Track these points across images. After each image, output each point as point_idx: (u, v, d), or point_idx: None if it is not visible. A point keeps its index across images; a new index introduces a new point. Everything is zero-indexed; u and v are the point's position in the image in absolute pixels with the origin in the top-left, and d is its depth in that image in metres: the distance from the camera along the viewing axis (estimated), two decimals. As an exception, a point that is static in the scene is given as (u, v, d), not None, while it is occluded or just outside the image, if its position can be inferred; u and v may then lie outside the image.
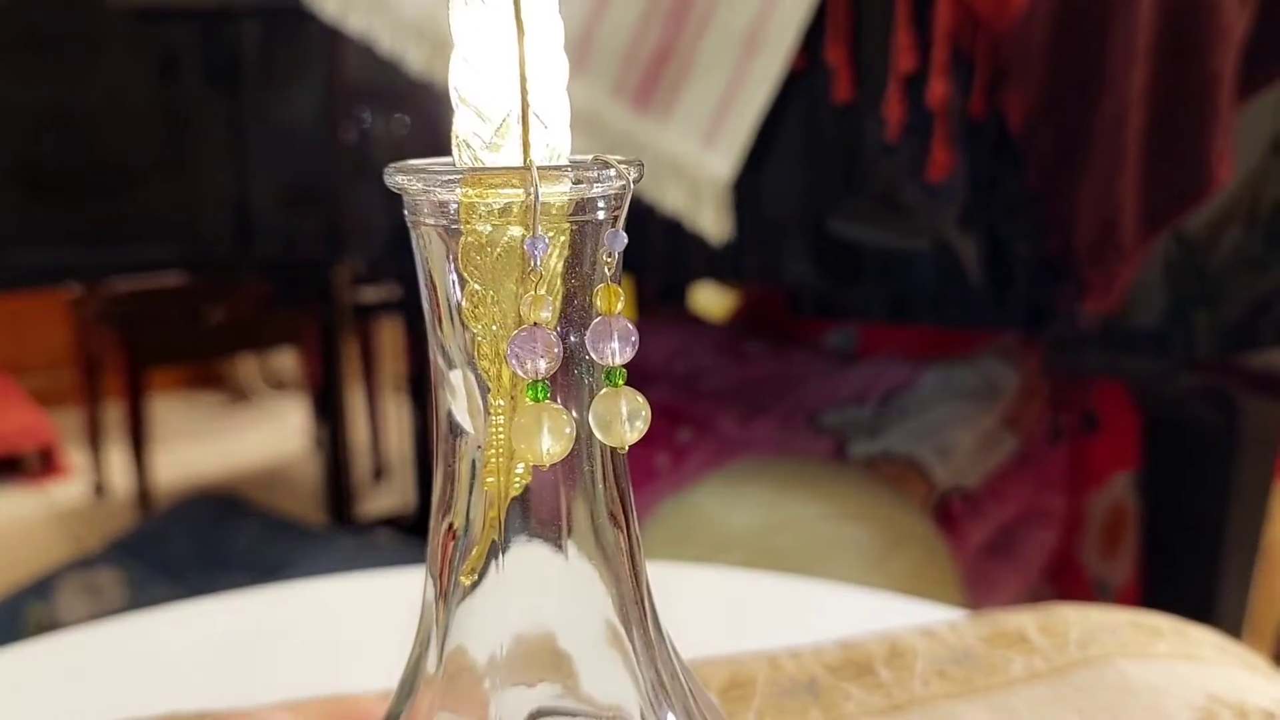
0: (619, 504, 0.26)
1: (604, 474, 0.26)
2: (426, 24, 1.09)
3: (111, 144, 1.38)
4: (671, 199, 1.00)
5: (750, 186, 1.01)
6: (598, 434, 0.23)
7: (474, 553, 0.25)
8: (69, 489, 2.47)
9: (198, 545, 1.57)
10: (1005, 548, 1.25)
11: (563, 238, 0.24)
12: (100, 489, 2.42)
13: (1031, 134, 0.92)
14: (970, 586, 1.14)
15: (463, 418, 0.25)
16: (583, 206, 0.24)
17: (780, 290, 1.47)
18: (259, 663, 0.51)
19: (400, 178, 0.24)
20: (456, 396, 0.25)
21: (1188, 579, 1.17)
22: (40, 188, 1.38)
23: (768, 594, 0.57)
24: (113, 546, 1.58)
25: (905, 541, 1.08)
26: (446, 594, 0.26)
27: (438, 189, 0.23)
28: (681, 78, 0.99)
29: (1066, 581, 1.30)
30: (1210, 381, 1.13)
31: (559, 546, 0.26)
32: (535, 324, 0.23)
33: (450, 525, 0.26)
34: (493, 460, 0.24)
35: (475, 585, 0.26)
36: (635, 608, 0.27)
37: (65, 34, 1.34)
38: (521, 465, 0.24)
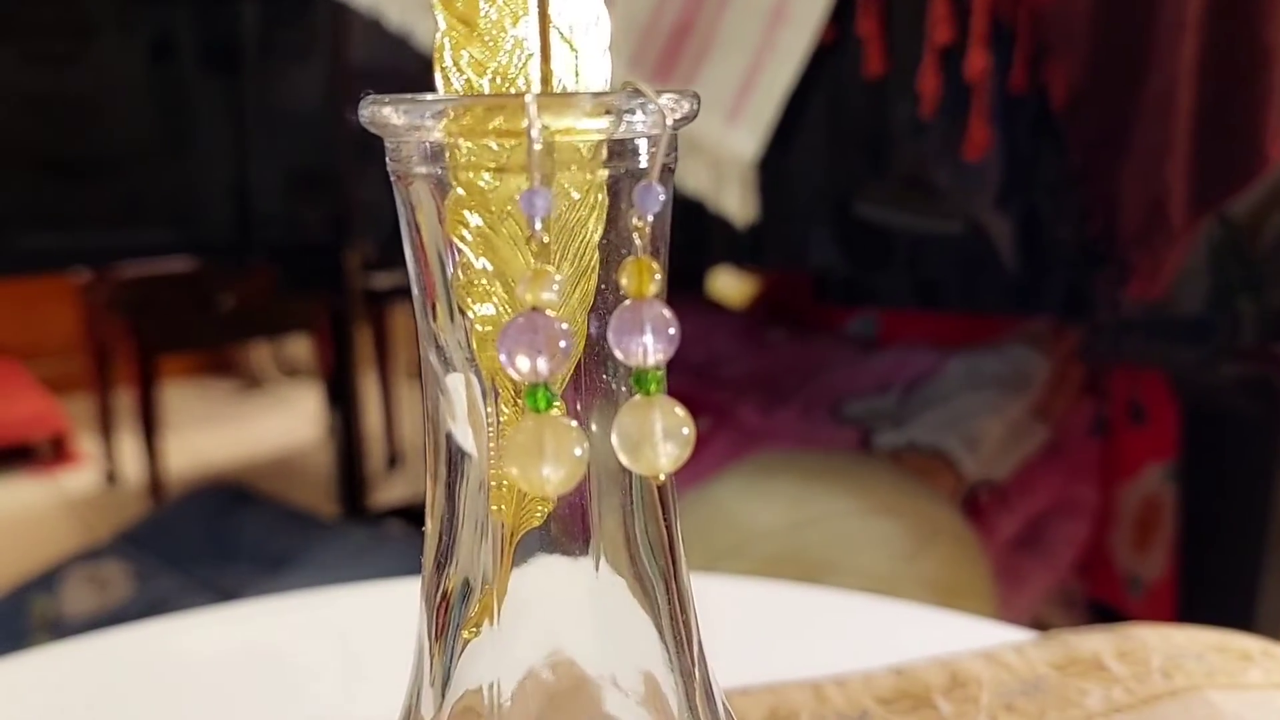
0: (662, 528, 0.21)
1: (647, 499, 0.21)
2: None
3: (114, 128, 1.35)
4: (692, 179, 0.96)
5: (774, 166, 0.96)
6: (622, 458, 0.18)
7: (480, 605, 0.20)
8: (80, 477, 2.44)
9: (206, 537, 1.54)
10: (1034, 541, 1.22)
11: (600, 195, 0.18)
12: (112, 477, 2.40)
13: (1074, 110, 0.88)
14: (999, 581, 1.11)
15: (463, 433, 0.20)
16: (617, 152, 0.18)
17: (802, 275, 1.43)
18: (265, 679, 0.47)
19: (379, 110, 0.18)
20: (455, 410, 0.19)
21: (1227, 575, 1.13)
22: (44, 172, 1.35)
23: (804, 607, 0.52)
24: (120, 538, 1.55)
25: (936, 537, 1.05)
26: (444, 635, 0.22)
27: (429, 122, 0.18)
28: (703, 51, 0.95)
29: (1097, 576, 1.26)
30: (1253, 371, 1.09)
31: (590, 569, 0.21)
32: (534, 309, 0.17)
33: (449, 575, 0.21)
34: (502, 485, 0.19)
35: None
36: (675, 644, 0.22)
37: (68, 16, 1.30)
38: None
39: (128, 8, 1.33)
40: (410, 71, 1.14)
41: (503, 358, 0.17)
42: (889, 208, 1.00)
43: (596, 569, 0.21)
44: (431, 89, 0.19)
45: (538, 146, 0.16)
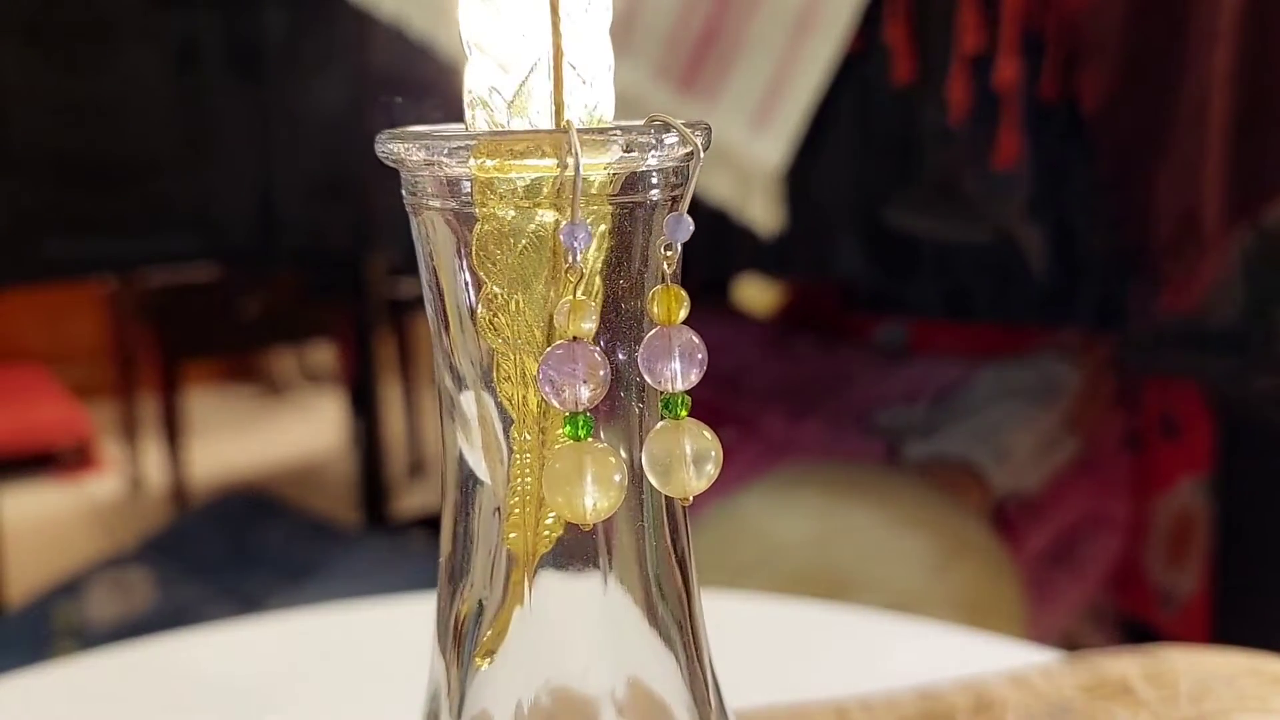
0: (673, 554, 0.21)
1: (658, 520, 0.21)
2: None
3: (138, 134, 1.35)
4: (718, 187, 0.95)
5: (801, 174, 0.95)
6: (654, 480, 0.18)
7: (492, 631, 0.20)
8: (104, 484, 2.45)
9: (229, 545, 1.54)
10: (1065, 555, 1.21)
11: (603, 225, 0.18)
12: (136, 483, 2.41)
13: (1106, 118, 0.87)
14: (1028, 596, 1.10)
15: (476, 459, 0.19)
16: (632, 184, 0.18)
17: (829, 284, 1.42)
18: (284, 694, 0.46)
19: (396, 145, 0.18)
20: (469, 430, 0.19)
21: (1262, 590, 1.11)
22: (69, 178, 1.36)
23: (828, 626, 0.51)
24: (144, 545, 1.55)
25: (964, 550, 1.03)
26: (459, 654, 0.21)
27: (445, 159, 0.18)
28: (729, 59, 0.94)
29: (1130, 591, 1.24)
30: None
31: (600, 586, 0.21)
32: (575, 339, 0.17)
33: (463, 599, 0.20)
34: (517, 512, 0.19)
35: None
36: (687, 659, 0.22)
37: (91, 21, 1.31)
38: (553, 515, 0.19)
39: (153, 14, 1.33)
40: (433, 80, 1.13)
41: (545, 389, 0.17)
42: (917, 216, 0.99)
43: (605, 585, 0.21)
44: (454, 93, 0.19)
45: (580, 179, 0.17)
